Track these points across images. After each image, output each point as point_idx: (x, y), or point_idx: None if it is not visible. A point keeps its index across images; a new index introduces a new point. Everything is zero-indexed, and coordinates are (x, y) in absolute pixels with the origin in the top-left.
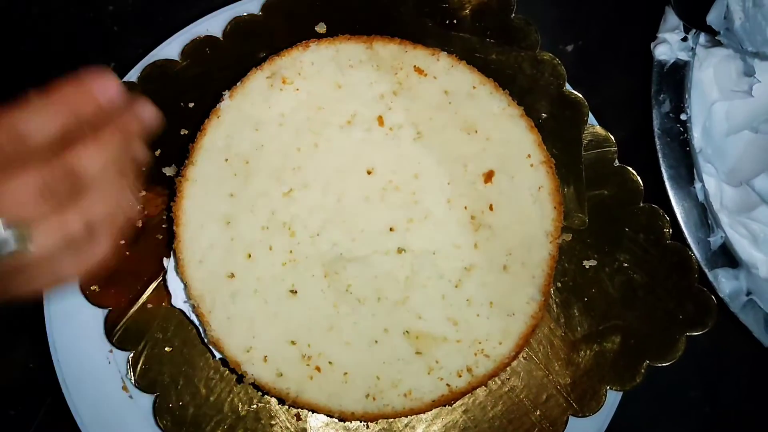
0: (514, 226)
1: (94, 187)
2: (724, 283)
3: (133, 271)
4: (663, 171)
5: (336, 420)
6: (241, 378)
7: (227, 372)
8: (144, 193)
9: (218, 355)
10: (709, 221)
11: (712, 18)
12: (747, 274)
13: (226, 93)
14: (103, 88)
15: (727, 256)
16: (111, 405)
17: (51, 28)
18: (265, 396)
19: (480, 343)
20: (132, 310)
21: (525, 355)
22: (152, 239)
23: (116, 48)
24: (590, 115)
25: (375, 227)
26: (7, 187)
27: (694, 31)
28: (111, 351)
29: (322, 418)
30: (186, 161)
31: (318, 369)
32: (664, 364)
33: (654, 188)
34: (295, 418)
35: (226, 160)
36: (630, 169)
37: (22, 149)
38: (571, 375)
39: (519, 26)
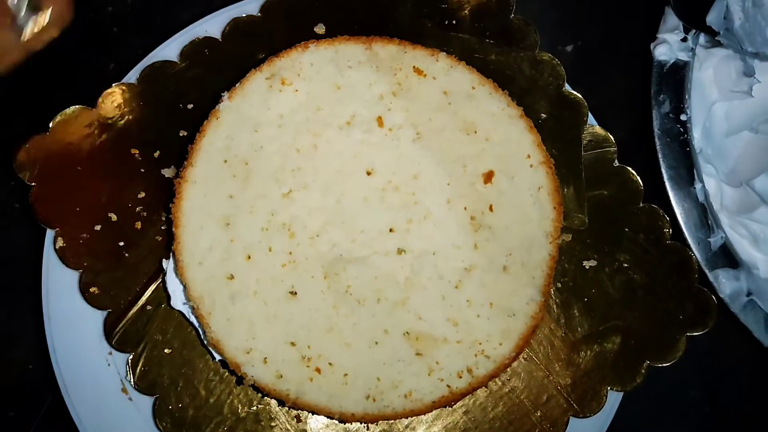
0: (513, 226)
1: None
2: (725, 283)
3: (132, 272)
4: (663, 171)
5: (336, 421)
6: (240, 379)
7: (227, 374)
8: (143, 194)
9: (218, 357)
10: (710, 222)
11: (712, 18)
12: (747, 275)
13: (225, 94)
14: None
15: (727, 257)
16: (110, 407)
17: None
18: (265, 397)
19: (480, 343)
20: (131, 312)
21: (525, 356)
22: (151, 240)
23: (115, 49)
24: (590, 115)
25: (375, 228)
26: None
27: (693, 31)
28: (110, 353)
29: (323, 419)
30: (185, 163)
31: (318, 370)
32: (664, 365)
33: (654, 188)
34: (295, 419)
35: (226, 161)
36: (630, 169)
37: None
38: (571, 375)
39: (518, 27)
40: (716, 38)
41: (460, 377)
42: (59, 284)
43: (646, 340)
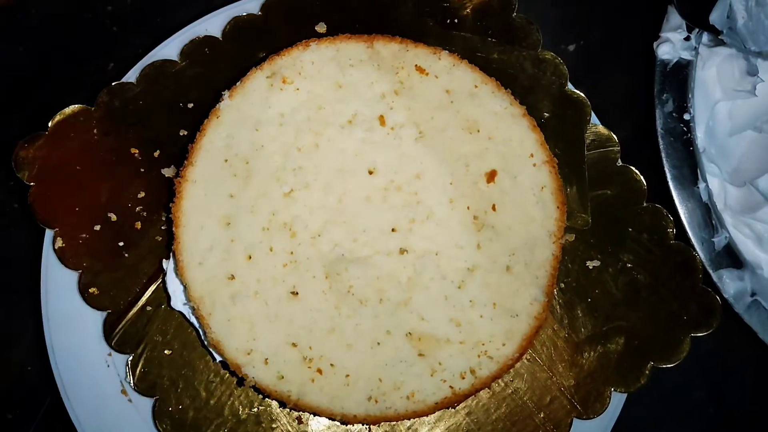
0: (516, 226)
1: None
2: (729, 283)
3: (132, 273)
4: (666, 171)
5: (338, 423)
6: (241, 381)
7: (227, 375)
8: (143, 194)
9: (218, 358)
10: (713, 221)
11: (715, 17)
12: (751, 275)
13: (226, 93)
14: None
15: (731, 257)
16: (110, 409)
17: (50, 28)
18: (266, 399)
19: (483, 344)
20: (131, 313)
21: (528, 357)
22: (151, 241)
23: (115, 48)
24: (593, 114)
25: (377, 228)
26: None
27: (696, 30)
28: (110, 354)
29: (324, 421)
30: (185, 162)
31: (319, 371)
32: (668, 366)
33: (657, 188)
34: (297, 421)
35: (226, 160)
36: (633, 168)
37: None
38: (575, 377)
39: (520, 25)
40: (719, 37)
41: (463, 378)
42: (58, 285)
43: (649, 340)
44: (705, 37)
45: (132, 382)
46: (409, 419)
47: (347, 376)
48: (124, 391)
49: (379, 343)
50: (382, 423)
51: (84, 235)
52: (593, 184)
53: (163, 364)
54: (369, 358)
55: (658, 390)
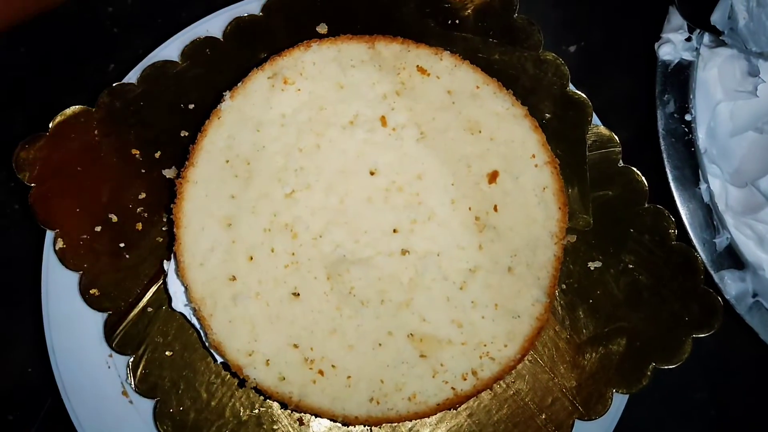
0: (518, 227)
1: None
2: (730, 284)
3: (132, 274)
4: (668, 172)
5: (339, 425)
6: (242, 382)
7: (228, 376)
8: (144, 195)
9: (219, 359)
10: (715, 222)
11: (716, 18)
12: (753, 276)
13: (227, 94)
14: None
15: (732, 258)
16: (111, 410)
17: (51, 29)
18: (267, 400)
19: (485, 345)
20: (132, 314)
21: (530, 358)
22: (152, 242)
23: (116, 49)
24: (594, 115)
25: (378, 228)
26: None
27: (698, 31)
28: (111, 355)
29: (325, 422)
30: (186, 163)
31: (321, 373)
32: (670, 367)
33: (659, 189)
34: (298, 422)
35: (227, 161)
36: (634, 169)
37: None
38: (576, 378)
39: (522, 26)
40: (721, 38)
41: (465, 379)
42: (59, 286)
43: (651, 341)
44: (706, 38)
45: (133, 383)
46: (410, 420)
47: (349, 377)
48: (124, 393)
49: (380, 344)
50: (384, 424)
51: (85, 236)
52: (595, 184)
53: (164, 365)
54: (370, 359)
55: (660, 391)
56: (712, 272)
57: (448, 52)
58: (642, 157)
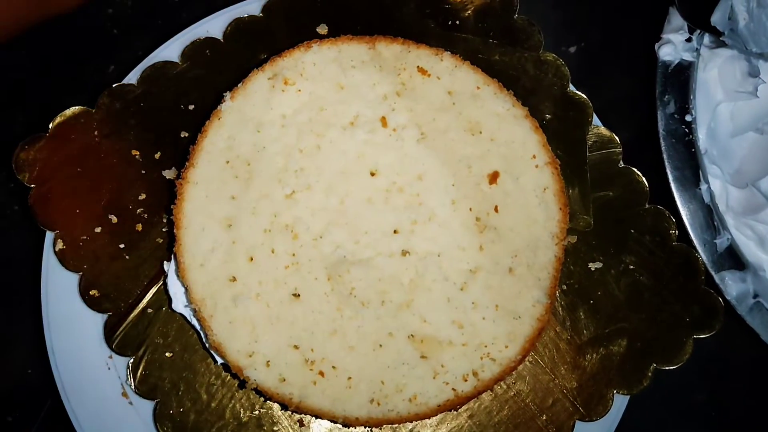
0: (519, 227)
1: None
2: (731, 285)
3: (132, 275)
4: (668, 172)
5: (340, 426)
6: (243, 383)
7: (229, 377)
8: (144, 196)
9: (220, 360)
10: (715, 223)
11: (717, 19)
12: (754, 277)
13: (227, 94)
14: None
15: (733, 259)
16: (111, 411)
17: (51, 30)
18: (268, 401)
19: (486, 346)
20: (132, 315)
21: (531, 359)
22: (152, 242)
23: (116, 50)
24: (594, 116)
25: (379, 229)
26: None
27: (698, 31)
28: (110, 356)
29: (326, 424)
30: (186, 163)
31: (321, 374)
32: (671, 368)
33: (659, 189)
34: (298, 424)
35: (228, 162)
36: (635, 170)
37: None
38: (577, 379)
39: (522, 27)
40: (721, 39)
41: (466, 380)
42: (59, 287)
43: (652, 342)
44: (706, 39)
45: (133, 384)
46: (411, 422)
47: (349, 378)
48: (124, 394)
49: (381, 346)
50: (384, 426)
51: (85, 237)
52: (595, 185)
53: (164, 366)
54: (371, 360)
55: (660, 392)
56: (712, 273)
57: (449, 52)
58: (642, 157)
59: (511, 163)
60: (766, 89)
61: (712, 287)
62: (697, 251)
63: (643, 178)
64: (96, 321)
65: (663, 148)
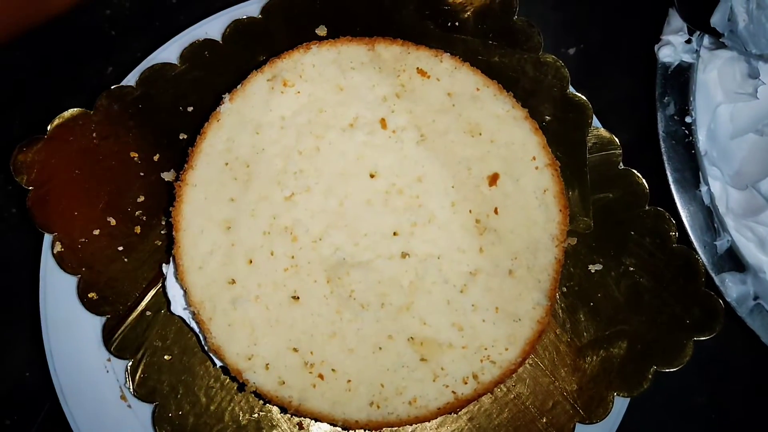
0: (519, 229)
1: None
2: (731, 287)
3: (131, 277)
4: (668, 174)
5: (339, 429)
6: (242, 386)
7: (228, 380)
8: (142, 198)
9: (219, 363)
10: (715, 225)
11: (716, 20)
12: (754, 278)
13: (226, 96)
14: None
15: (733, 260)
16: (109, 414)
17: (49, 32)
18: (267, 405)
19: (486, 349)
20: (130, 318)
21: (531, 362)
22: (151, 245)
23: (114, 52)
24: (594, 117)
25: (378, 231)
26: None
27: (698, 33)
28: (109, 359)
29: (325, 427)
30: (185, 166)
31: (321, 377)
32: (671, 370)
33: (659, 191)
34: (298, 427)
35: (227, 164)
36: (635, 171)
37: None
38: (577, 381)
39: (521, 28)
40: (720, 40)
41: (466, 383)
42: (57, 290)
43: (652, 344)
44: (706, 40)
45: (131, 387)
46: (411, 425)
47: (349, 381)
48: (123, 397)
49: (380, 348)
50: (384, 429)
51: (83, 240)
52: (595, 187)
53: (163, 369)
54: (371, 363)
55: (660, 394)
56: (713, 275)
57: (448, 54)
58: (642, 159)
59: (510, 165)
60: (766, 90)
61: (713, 289)
62: (697, 253)
63: (643, 180)
64: (94, 324)
65: (663, 150)
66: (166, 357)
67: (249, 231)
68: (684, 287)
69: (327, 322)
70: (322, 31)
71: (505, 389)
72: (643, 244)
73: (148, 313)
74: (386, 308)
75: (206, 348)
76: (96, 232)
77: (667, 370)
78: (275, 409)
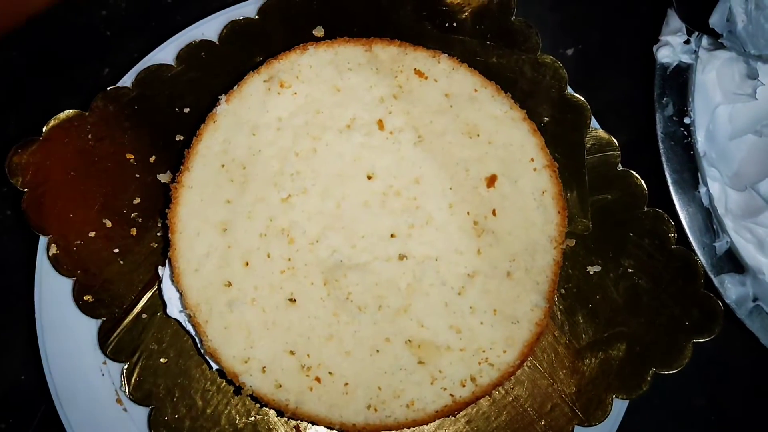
0: (517, 231)
1: None
2: (730, 288)
3: (127, 280)
4: (667, 175)
5: None
6: (238, 389)
7: (224, 383)
8: (138, 200)
9: (215, 366)
10: (714, 226)
11: (715, 20)
12: (753, 280)
13: (223, 97)
14: None
15: (732, 262)
16: (105, 418)
17: (44, 33)
18: (264, 408)
19: (484, 351)
20: (126, 321)
21: (529, 364)
22: (147, 247)
23: (110, 53)
24: (592, 118)
25: (376, 233)
26: None
27: (696, 33)
28: (105, 362)
29: (322, 430)
30: (181, 167)
31: (318, 380)
32: (670, 372)
33: (658, 192)
34: (295, 430)
35: (223, 165)
36: (633, 173)
37: None
38: (576, 383)
39: (519, 29)
40: (719, 41)
41: (464, 386)
42: (52, 292)
43: (651, 346)
44: (705, 41)
45: (127, 390)
46: (408, 428)
47: (346, 384)
48: (119, 400)
49: (378, 351)
50: None
51: (78, 242)
52: (593, 188)
53: (159, 372)
54: (368, 365)
55: (660, 396)
56: (712, 276)
57: (446, 55)
58: (641, 160)
59: (509, 166)
60: (765, 91)
61: (712, 291)
62: (696, 254)
63: (642, 181)
64: (90, 326)
65: (662, 151)
66: (162, 360)
67: (245, 233)
68: (683, 289)
69: (324, 324)
70: (319, 32)
71: (503, 392)
72: (642, 245)
73: (144, 315)
74: (383, 310)
75: (202, 351)
76: (92, 234)
77: (666, 372)
78: (272, 413)
